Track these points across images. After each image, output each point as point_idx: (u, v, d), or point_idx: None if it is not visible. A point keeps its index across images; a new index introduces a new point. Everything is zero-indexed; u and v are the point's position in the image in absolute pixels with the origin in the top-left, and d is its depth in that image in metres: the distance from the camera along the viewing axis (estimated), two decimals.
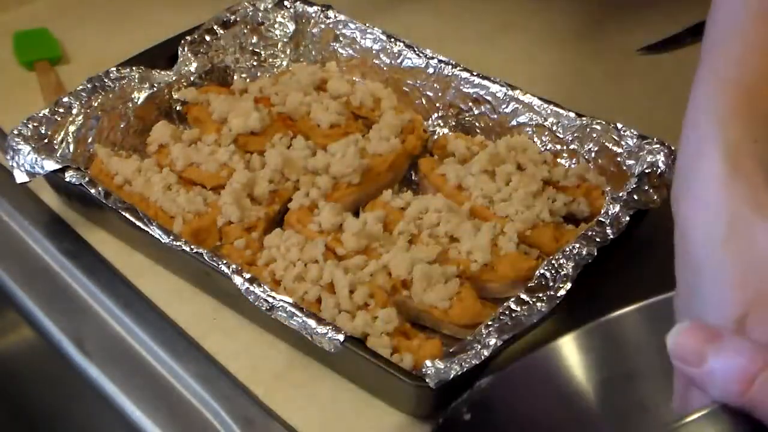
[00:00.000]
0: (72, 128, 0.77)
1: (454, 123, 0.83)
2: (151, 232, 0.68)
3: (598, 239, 0.65)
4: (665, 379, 0.52)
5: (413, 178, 0.80)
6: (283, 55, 0.90)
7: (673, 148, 0.71)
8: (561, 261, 0.63)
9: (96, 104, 0.79)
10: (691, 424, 0.37)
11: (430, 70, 0.83)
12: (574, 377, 0.55)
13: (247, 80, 0.87)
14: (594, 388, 0.54)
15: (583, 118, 0.76)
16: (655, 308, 0.54)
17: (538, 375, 0.55)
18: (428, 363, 0.57)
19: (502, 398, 0.54)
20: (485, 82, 0.80)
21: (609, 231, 0.66)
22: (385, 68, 0.86)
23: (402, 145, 0.78)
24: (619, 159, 0.74)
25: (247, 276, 0.63)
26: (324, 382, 0.64)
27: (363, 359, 0.59)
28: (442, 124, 0.83)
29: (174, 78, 0.84)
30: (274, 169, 0.75)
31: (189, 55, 0.85)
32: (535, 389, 0.55)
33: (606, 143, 0.75)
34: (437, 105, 0.83)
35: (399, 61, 0.85)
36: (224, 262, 0.65)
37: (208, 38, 0.87)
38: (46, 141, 0.75)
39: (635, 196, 0.68)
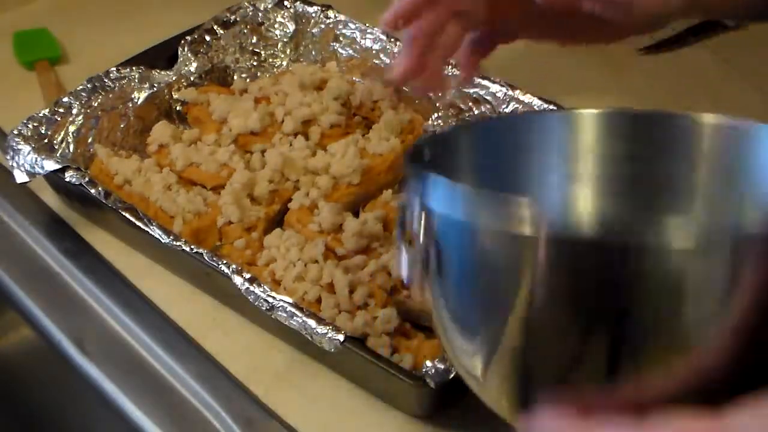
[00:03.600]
0: (72, 128, 0.77)
1: (454, 123, 0.83)
2: (151, 232, 0.68)
3: None
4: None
5: None
6: (283, 55, 0.90)
7: None
8: None
9: (96, 104, 0.79)
10: None
11: None
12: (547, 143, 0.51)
13: (247, 80, 0.87)
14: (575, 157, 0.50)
15: None
16: None
17: (506, 130, 0.52)
18: (428, 363, 0.57)
19: (465, 144, 0.52)
20: (485, 82, 0.80)
21: None
22: (385, 68, 0.85)
23: (402, 145, 0.78)
24: None
25: (247, 276, 0.63)
26: (324, 382, 0.64)
27: (363, 359, 0.59)
28: (442, 124, 0.83)
29: (174, 78, 0.84)
30: (274, 169, 0.75)
31: (189, 55, 0.85)
32: (499, 142, 0.52)
33: None
34: (437, 105, 0.83)
35: None
36: (224, 262, 0.65)
37: (208, 38, 0.87)
38: (46, 141, 0.75)
39: None
